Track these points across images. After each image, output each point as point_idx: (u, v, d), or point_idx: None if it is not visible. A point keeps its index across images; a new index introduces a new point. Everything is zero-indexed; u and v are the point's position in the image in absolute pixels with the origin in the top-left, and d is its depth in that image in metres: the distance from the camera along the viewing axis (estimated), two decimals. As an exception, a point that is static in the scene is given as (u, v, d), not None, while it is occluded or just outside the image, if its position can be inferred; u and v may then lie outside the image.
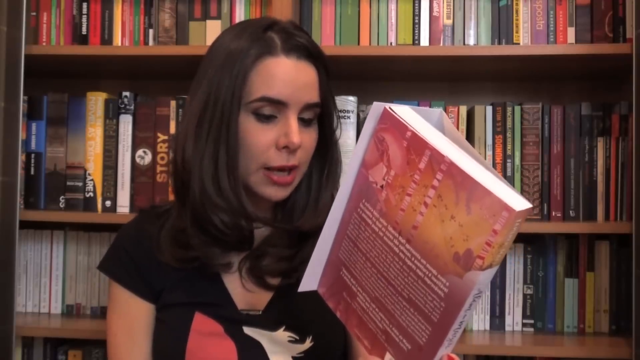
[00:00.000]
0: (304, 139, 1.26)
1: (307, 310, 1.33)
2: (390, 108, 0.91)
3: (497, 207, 0.77)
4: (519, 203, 0.77)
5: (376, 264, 0.96)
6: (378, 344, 0.99)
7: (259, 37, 1.25)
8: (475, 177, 0.80)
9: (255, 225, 1.31)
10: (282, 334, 1.32)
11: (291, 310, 1.34)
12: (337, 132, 1.38)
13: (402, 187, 0.89)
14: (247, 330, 1.32)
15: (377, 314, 0.98)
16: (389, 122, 0.91)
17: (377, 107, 0.93)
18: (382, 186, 0.93)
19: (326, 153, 1.36)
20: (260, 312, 1.34)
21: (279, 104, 1.24)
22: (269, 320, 1.33)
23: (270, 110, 1.24)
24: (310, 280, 1.07)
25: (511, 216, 0.76)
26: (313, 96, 1.27)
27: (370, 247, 0.96)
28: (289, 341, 1.32)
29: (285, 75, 1.24)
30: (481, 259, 0.80)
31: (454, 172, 0.82)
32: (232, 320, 1.32)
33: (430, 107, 1.97)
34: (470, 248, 0.81)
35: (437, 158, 0.84)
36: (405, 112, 0.91)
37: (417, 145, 0.87)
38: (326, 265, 1.06)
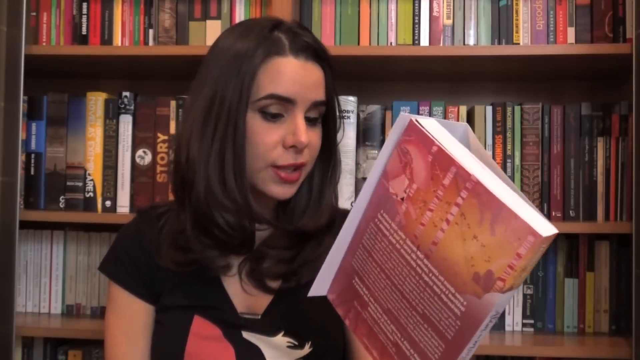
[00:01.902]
0: (311, 137, 1.26)
1: (307, 316, 1.33)
2: (416, 120, 0.89)
3: (523, 231, 0.76)
4: (546, 228, 0.76)
5: (391, 276, 0.95)
6: (387, 355, 0.97)
7: (265, 36, 1.24)
8: (502, 198, 0.79)
9: (258, 227, 1.30)
10: (281, 339, 1.32)
11: (290, 315, 1.34)
12: (339, 134, 1.38)
13: (424, 202, 0.88)
14: (246, 335, 1.32)
15: (388, 326, 0.97)
16: (415, 134, 0.90)
17: (403, 119, 0.91)
18: (402, 198, 0.91)
19: (329, 154, 1.35)
20: (259, 317, 1.33)
21: (287, 102, 1.22)
22: (268, 325, 1.32)
23: (277, 108, 1.23)
24: (320, 286, 1.06)
25: (537, 241, 0.75)
26: (319, 94, 1.27)
27: (385, 259, 0.95)
28: (288, 346, 1.31)
29: (293, 74, 1.23)
30: (502, 281, 0.79)
31: (479, 191, 0.81)
32: (231, 325, 1.32)
33: (430, 107, 1.98)
34: (492, 269, 0.80)
35: (462, 175, 0.83)
36: (431, 126, 0.90)
37: (442, 160, 0.86)
38: (338, 272, 1.05)
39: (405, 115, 0.91)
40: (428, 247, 0.88)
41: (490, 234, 0.80)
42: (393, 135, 0.92)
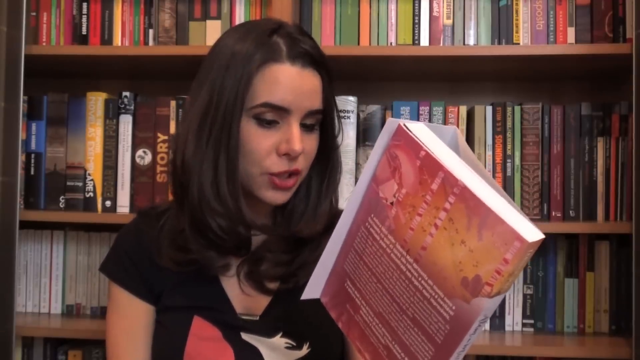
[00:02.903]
0: (306, 144, 1.25)
1: (305, 317, 1.33)
2: (404, 125, 0.90)
3: (509, 236, 0.76)
4: (532, 233, 0.76)
5: (381, 280, 0.95)
6: (379, 358, 0.97)
7: (264, 41, 1.24)
8: (489, 203, 0.79)
9: (253, 232, 1.30)
10: (279, 340, 1.32)
11: (289, 316, 1.34)
12: (339, 139, 1.37)
13: (413, 207, 0.88)
14: (245, 336, 1.32)
15: (379, 329, 0.97)
16: (403, 139, 0.90)
17: (391, 123, 0.91)
18: (392, 203, 0.91)
19: (327, 159, 1.35)
20: (258, 318, 1.33)
21: (281, 110, 1.22)
22: (266, 326, 1.32)
23: (272, 115, 1.23)
24: (313, 289, 1.06)
25: (523, 246, 0.75)
26: (315, 103, 1.26)
27: (376, 263, 0.96)
28: (286, 347, 1.32)
29: (289, 82, 1.23)
30: (490, 286, 0.79)
31: (467, 196, 0.81)
32: (231, 326, 1.32)
33: (430, 107, 1.98)
34: (480, 274, 0.80)
35: (450, 181, 0.83)
36: (420, 130, 0.90)
37: (430, 165, 0.86)
38: (330, 275, 1.05)
39: (393, 120, 0.91)
40: (417, 251, 0.88)
41: (478, 239, 0.80)
42: (382, 139, 0.93)
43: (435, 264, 0.86)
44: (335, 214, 1.33)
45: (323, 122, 1.31)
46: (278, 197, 1.28)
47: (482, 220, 0.79)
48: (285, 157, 1.24)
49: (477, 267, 0.80)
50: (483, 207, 0.79)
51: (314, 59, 1.27)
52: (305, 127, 1.27)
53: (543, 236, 0.77)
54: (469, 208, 0.81)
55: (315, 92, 1.27)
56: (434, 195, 0.85)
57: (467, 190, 0.81)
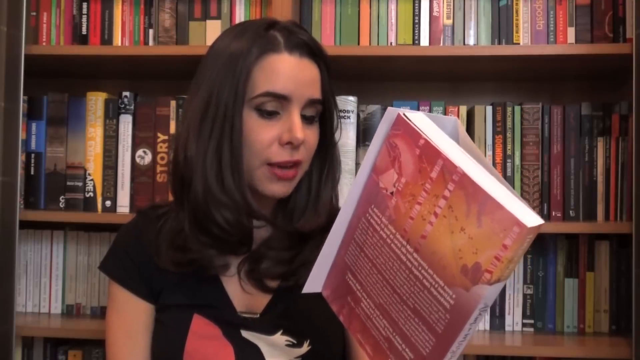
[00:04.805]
0: (307, 135, 1.26)
1: (305, 314, 1.33)
2: (404, 114, 0.89)
3: (508, 222, 0.76)
4: (531, 219, 0.76)
5: (382, 271, 0.94)
6: (380, 351, 0.97)
7: (260, 35, 1.25)
8: (488, 190, 0.78)
9: (256, 225, 1.30)
10: (280, 338, 1.32)
11: (289, 313, 1.33)
12: (337, 134, 1.38)
13: (413, 195, 0.88)
14: (245, 334, 1.32)
15: (380, 321, 0.96)
16: (402, 128, 0.89)
17: (391, 113, 0.91)
18: (392, 193, 0.91)
19: (326, 153, 1.35)
20: (258, 316, 1.33)
21: (282, 99, 1.23)
22: (266, 324, 1.32)
23: (273, 106, 1.23)
24: (315, 282, 1.06)
25: (522, 232, 0.75)
26: (315, 92, 1.27)
27: (377, 254, 0.95)
28: (287, 345, 1.31)
29: (289, 71, 1.23)
30: (489, 273, 0.79)
31: (465, 183, 0.81)
32: (231, 324, 1.32)
33: (430, 107, 1.98)
34: (479, 261, 0.79)
35: (449, 168, 0.83)
36: (419, 119, 0.89)
37: (429, 153, 0.85)
38: (332, 268, 1.04)
39: (393, 109, 0.91)
40: (417, 240, 0.88)
41: (477, 225, 0.79)
42: (381, 129, 0.92)
43: (435, 253, 0.85)
44: (335, 212, 1.33)
45: (322, 116, 1.32)
46: (280, 189, 1.28)
47: (481, 207, 0.79)
48: (287, 146, 1.24)
49: (476, 255, 0.80)
50: (482, 193, 0.79)
51: (311, 49, 1.28)
52: (306, 119, 1.27)
53: (542, 221, 0.76)
54: (468, 195, 0.80)
55: (314, 81, 1.28)
56: (433, 183, 0.85)
57: (466, 177, 0.81)
